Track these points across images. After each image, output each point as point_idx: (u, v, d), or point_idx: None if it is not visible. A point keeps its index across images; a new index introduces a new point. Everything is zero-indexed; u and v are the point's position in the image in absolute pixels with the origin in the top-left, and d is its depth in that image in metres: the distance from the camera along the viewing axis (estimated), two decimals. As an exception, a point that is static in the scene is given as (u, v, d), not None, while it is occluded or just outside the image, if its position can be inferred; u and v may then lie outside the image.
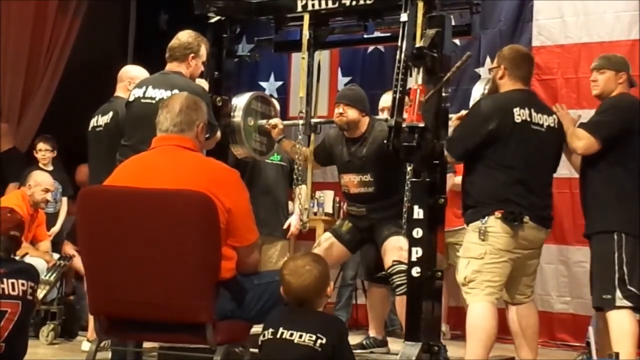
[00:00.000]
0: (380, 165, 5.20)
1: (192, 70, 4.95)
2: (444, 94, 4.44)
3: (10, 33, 8.10)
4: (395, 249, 5.17)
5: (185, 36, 4.97)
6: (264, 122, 5.40)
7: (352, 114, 5.34)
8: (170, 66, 4.96)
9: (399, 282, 5.17)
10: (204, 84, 5.07)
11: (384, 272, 5.38)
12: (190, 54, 4.93)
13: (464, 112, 4.82)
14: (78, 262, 6.56)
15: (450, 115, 4.71)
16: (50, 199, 6.88)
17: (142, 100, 4.82)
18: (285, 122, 5.55)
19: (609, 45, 6.50)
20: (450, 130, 4.67)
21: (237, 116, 5.24)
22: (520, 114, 4.48)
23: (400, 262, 5.16)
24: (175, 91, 4.63)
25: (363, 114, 5.38)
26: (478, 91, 4.86)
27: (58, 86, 8.44)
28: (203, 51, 4.99)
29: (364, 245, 5.58)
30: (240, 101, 5.29)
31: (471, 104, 4.84)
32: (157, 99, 4.74)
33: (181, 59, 4.93)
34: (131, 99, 4.92)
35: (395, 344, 5.69)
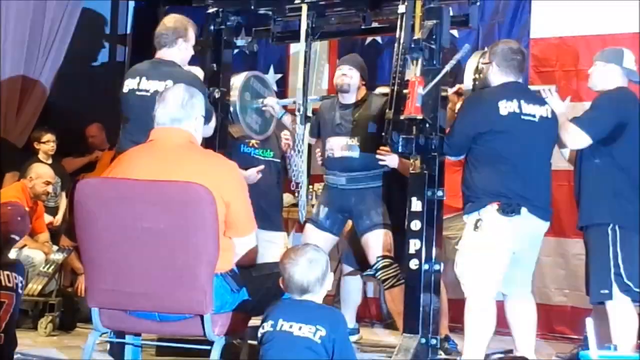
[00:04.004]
0: (368, 134, 5.24)
1: (183, 55, 4.88)
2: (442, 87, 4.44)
3: (9, 24, 8.08)
4: (377, 245, 5.22)
5: (171, 21, 4.89)
6: (260, 101, 5.41)
7: (354, 76, 5.43)
8: (160, 54, 4.89)
9: (384, 277, 5.22)
10: (198, 71, 5.01)
11: (369, 271, 5.41)
12: (179, 38, 4.84)
13: (459, 86, 4.83)
14: (72, 260, 6.57)
15: (445, 88, 4.72)
16: (51, 191, 6.87)
17: (137, 93, 4.78)
18: (282, 101, 5.58)
19: (609, 38, 6.47)
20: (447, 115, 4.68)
21: (234, 95, 5.24)
22: (506, 107, 4.51)
23: (384, 257, 5.19)
24: (169, 82, 4.62)
25: (363, 81, 5.49)
26: (472, 64, 4.84)
27: (56, 77, 8.42)
28: (191, 34, 4.90)
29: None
30: (237, 80, 5.29)
31: (465, 77, 4.83)
32: (151, 91, 4.71)
33: (170, 44, 4.85)
34: (125, 90, 4.85)
35: (393, 336, 5.70)
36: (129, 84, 4.85)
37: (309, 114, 5.22)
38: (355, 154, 5.40)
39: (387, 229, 5.27)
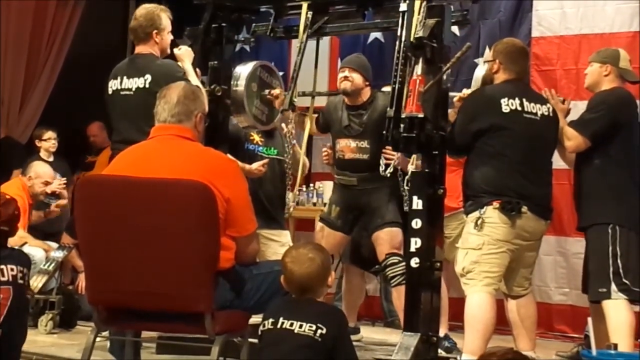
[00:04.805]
0: (378, 134, 5.21)
1: (160, 45, 4.84)
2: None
3: (11, 22, 8.09)
4: (387, 242, 5.22)
5: (142, 14, 4.83)
6: (267, 91, 5.41)
7: (356, 78, 5.42)
8: (139, 48, 4.87)
9: (392, 274, 5.22)
10: (187, 52, 4.93)
11: (377, 266, 5.41)
12: (153, 31, 4.80)
13: (465, 91, 4.83)
14: (73, 257, 6.57)
15: (452, 94, 4.72)
16: (49, 191, 6.82)
17: (122, 93, 4.78)
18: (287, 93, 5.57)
19: (609, 37, 6.48)
20: (451, 112, 4.67)
21: (240, 85, 5.21)
22: (508, 104, 4.52)
23: (394, 254, 5.19)
24: (148, 76, 4.66)
25: (367, 82, 5.48)
26: (480, 72, 4.84)
27: (59, 76, 8.44)
28: (165, 21, 4.84)
29: (356, 226, 5.59)
30: (244, 69, 5.27)
31: (473, 84, 4.85)
32: (133, 89, 4.72)
33: (145, 38, 4.81)
34: (110, 92, 4.85)
35: (394, 335, 5.70)
36: (112, 85, 4.84)
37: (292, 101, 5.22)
38: (366, 156, 5.39)
39: (398, 227, 5.27)
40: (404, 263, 5.12)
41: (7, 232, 4.13)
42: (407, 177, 4.59)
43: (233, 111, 5.24)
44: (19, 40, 8.16)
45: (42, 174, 6.65)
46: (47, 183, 6.66)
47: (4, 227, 4.09)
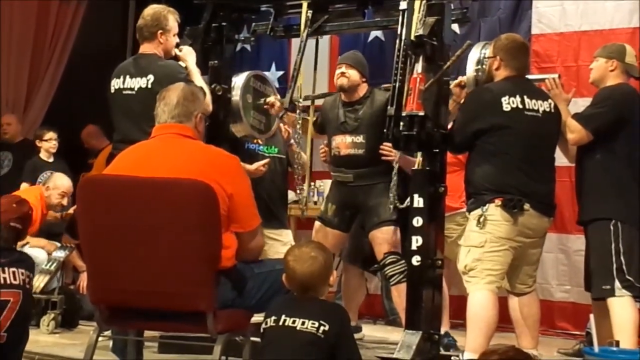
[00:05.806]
0: (373, 130, 5.25)
1: (164, 46, 4.85)
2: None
3: (14, 23, 8.10)
4: (385, 241, 5.22)
5: (149, 13, 4.85)
6: (262, 100, 5.42)
7: (353, 74, 5.42)
8: (143, 48, 4.88)
9: (391, 273, 5.22)
10: (190, 51, 4.96)
11: (376, 265, 5.41)
12: (158, 30, 4.81)
13: (461, 78, 4.82)
14: (74, 257, 6.57)
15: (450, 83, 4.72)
16: (65, 204, 6.78)
17: (124, 92, 4.79)
18: (283, 100, 5.59)
19: (609, 33, 6.48)
20: (449, 101, 4.66)
21: (236, 95, 5.24)
22: (509, 103, 4.50)
23: (392, 253, 5.19)
24: (150, 76, 4.67)
25: (363, 79, 5.48)
26: (475, 55, 4.81)
27: (61, 77, 8.44)
28: (172, 23, 4.86)
29: (354, 223, 5.60)
30: (238, 80, 5.30)
31: (468, 67, 4.81)
32: (136, 88, 4.73)
33: (150, 38, 4.83)
34: (112, 90, 4.85)
35: (395, 333, 5.70)
36: (114, 84, 4.85)
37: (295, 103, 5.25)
38: (361, 151, 5.39)
39: (394, 224, 5.27)
40: (402, 261, 5.13)
41: (20, 231, 4.14)
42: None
43: (231, 122, 5.26)
44: (23, 41, 8.17)
45: (59, 186, 6.61)
46: (63, 195, 6.63)
47: (18, 225, 4.10)
